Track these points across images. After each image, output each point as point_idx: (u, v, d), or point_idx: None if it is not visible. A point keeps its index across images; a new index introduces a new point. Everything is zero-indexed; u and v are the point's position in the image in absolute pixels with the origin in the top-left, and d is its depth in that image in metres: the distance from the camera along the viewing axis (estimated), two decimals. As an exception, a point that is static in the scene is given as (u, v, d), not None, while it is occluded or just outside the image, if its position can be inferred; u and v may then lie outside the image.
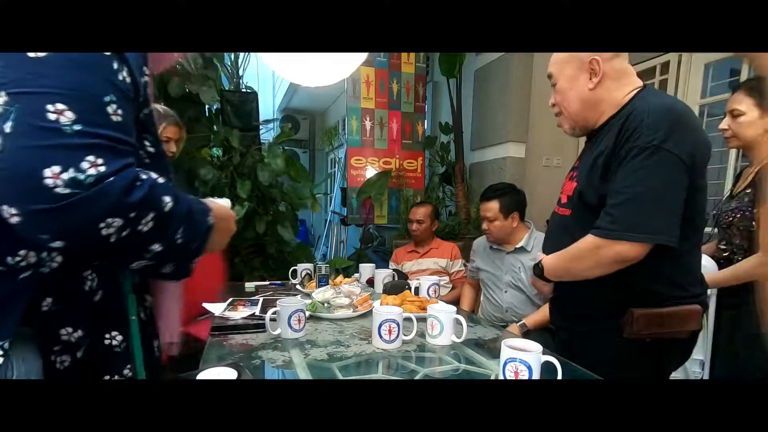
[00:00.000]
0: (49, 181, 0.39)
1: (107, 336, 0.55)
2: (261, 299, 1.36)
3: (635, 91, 0.95)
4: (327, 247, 5.12)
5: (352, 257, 3.69)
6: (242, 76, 3.26)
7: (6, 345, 0.46)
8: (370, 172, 3.49)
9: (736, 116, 1.34)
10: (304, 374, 0.83)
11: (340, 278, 1.55)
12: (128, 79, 0.49)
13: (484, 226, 1.83)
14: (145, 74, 0.53)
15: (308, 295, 1.43)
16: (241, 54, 3.18)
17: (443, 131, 3.54)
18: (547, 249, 1.09)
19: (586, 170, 0.96)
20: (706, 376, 1.59)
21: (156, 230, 0.48)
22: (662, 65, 2.36)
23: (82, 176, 0.41)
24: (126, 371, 0.57)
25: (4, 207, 0.40)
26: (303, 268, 1.75)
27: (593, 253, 0.89)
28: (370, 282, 1.79)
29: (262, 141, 3.09)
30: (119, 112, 0.46)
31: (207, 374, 0.71)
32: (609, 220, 0.87)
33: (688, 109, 0.92)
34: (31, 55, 0.42)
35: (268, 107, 6.43)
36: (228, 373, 0.72)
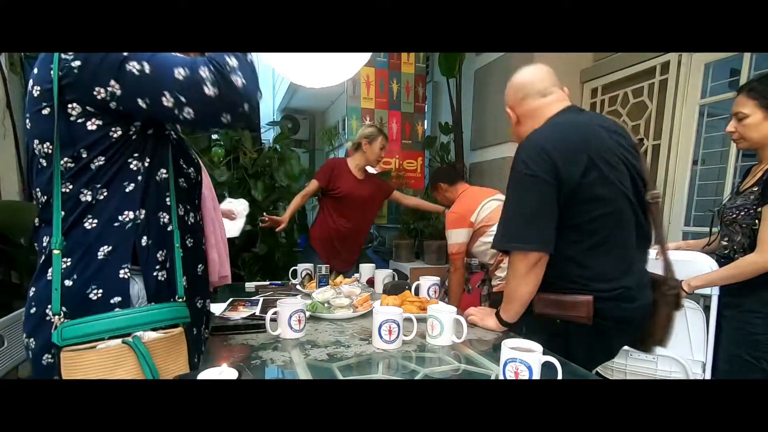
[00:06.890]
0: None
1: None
2: (261, 299, 1.36)
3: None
4: (327, 247, 5.10)
5: (352, 257, 3.68)
6: (242, 76, 3.26)
7: (129, 265, 0.78)
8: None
9: (741, 119, 1.35)
10: (304, 374, 0.83)
11: (340, 278, 1.55)
12: None
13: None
14: None
15: (308, 296, 1.43)
16: (241, 54, 3.18)
17: (443, 131, 3.54)
18: None
19: None
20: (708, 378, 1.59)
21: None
22: (662, 65, 2.36)
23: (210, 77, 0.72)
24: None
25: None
26: (303, 268, 1.75)
27: (513, 263, 1.09)
28: (370, 282, 1.79)
29: (262, 141, 3.09)
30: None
31: (207, 374, 0.71)
32: (498, 236, 1.10)
33: (552, 135, 1.05)
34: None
35: (268, 107, 6.42)
36: (228, 373, 0.71)
